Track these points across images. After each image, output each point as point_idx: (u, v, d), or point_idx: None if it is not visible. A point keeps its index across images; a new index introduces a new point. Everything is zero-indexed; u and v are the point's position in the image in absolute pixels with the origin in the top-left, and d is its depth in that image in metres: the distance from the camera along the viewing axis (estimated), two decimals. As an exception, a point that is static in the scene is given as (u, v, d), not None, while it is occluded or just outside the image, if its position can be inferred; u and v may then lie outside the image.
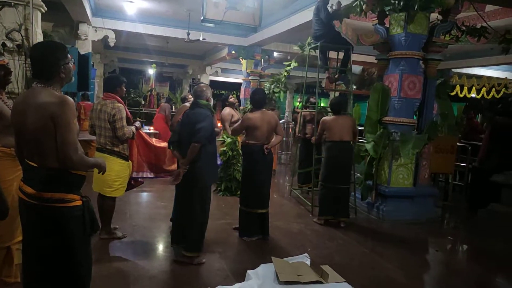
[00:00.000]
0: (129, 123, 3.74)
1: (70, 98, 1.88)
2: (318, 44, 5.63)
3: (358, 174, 5.83)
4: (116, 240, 3.91)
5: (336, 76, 6.23)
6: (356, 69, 9.92)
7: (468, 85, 11.69)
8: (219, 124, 6.09)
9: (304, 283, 2.76)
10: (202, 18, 7.18)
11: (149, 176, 4.17)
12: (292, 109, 19.89)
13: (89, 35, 9.64)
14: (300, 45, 6.53)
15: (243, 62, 11.53)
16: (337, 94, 7.80)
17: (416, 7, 4.83)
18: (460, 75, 11.56)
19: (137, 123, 3.89)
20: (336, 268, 3.08)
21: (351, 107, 6.26)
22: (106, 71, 16.30)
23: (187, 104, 4.50)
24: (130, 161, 3.87)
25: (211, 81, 17.91)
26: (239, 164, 5.95)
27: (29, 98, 1.87)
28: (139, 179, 4.18)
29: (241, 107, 8.68)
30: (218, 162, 4.47)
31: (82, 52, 7.57)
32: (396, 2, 4.94)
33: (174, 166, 4.02)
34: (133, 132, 3.71)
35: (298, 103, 11.32)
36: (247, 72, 11.48)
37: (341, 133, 4.85)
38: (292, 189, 6.60)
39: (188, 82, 19.50)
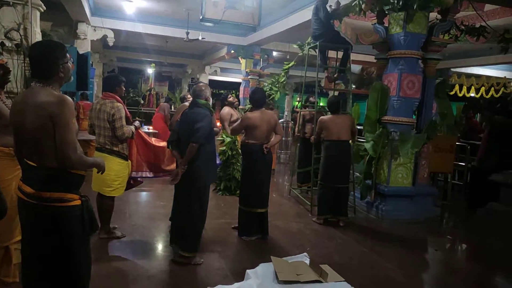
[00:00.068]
0: (129, 122, 3.74)
1: (69, 98, 1.88)
2: (317, 43, 5.63)
3: (357, 174, 5.84)
4: (115, 239, 3.90)
5: (335, 76, 6.22)
6: (355, 68, 9.93)
7: (467, 85, 11.70)
8: (218, 124, 6.08)
9: (303, 283, 2.76)
10: (201, 17, 7.17)
11: (148, 175, 4.17)
12: (291, 109, 19.92)
13: (88, 35, 9.63)
14: (300, 45, 6.52)
15: (242, 61, 11.53)
16: (336, 93, 7.81)
17: (415, 7, 4.82)
18: (459, 74, 11.57)
19: (137, 123, 3.88)
20: (335, 268, 3.08)
21: (350, 106, 6.26)
22: (105, 70, 16.28)
23: (187, 104, 4.50)
24: (129, 161, 3.87)
25: (210, 80, 17.91)
26: (238, 164, 5.95)
27: (28, 97, 1.87)
28: (138, 179, 4.18)
29: (241, 107, 8.68)
30: (217, 162, 4.47)
31: (81, 52, 7.57)
32: (395, 1, 4.94)
33: (173, 166, 4.02)
34: (132, 132, 3.70)
35: (297, 103, 11.32)
36: (246, 72, 11.47)
37: (339, 132, 4.85)
38: (292, 188, 6.60)
39: (187, 81, 19.50)
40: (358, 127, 6.16)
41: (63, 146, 1.82)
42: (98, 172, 2.18)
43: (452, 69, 11.45)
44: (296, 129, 7.22)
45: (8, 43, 4.12)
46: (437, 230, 5.29)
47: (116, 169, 3.66)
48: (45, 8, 4.65)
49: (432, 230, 5.17)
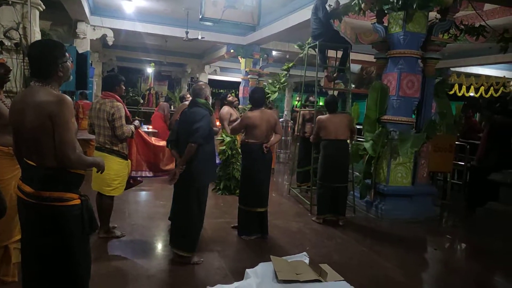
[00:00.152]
0: (128, 122, 3.74)
1: (68, 97, 1.88)
2: (317, 43, 5.63)
3: (357, 173, 5.84)
4: (115, 239, 3.90)
5: (334, 75, 6.23)
6: (355, 68, 9.92)
7: (466, 84, 11.70)
8: (218, 123, 6.08)
9: (303, 282, 2.77)
10: (200, 16, 7.17)
11: (148, 175, 4.17)
12: (291, 108, 19.91)
13: (87, 34, 9.62)
14: (300, 45, 6.53)
15: (242, 61, 11.52)
16: (336, 93, 7.81)
17: (414, 6, 4.83)
18: (459, 74, 11.58)
19: (136, 122, 3.88)
20: (334, 267, 3.09)
21: (349, 106, 6.26)
22: (104, 70, 16.27)
23: (186, 103, 4.50)
24: (129, 160, 3.87)
25: (209, 80, 17.90)
26: (238, 163, 5.95)
27: (27, 97, 1.87)
28: (138, 178, 4.18)
29: (240, 106, 8.67)
30: (217, 161, 4.47)
31: (80, 51, 7.55)
32: (395, 1, 4.94)
33: (172, 165, 4.02)
34: (132, 131, 3.70)
35: (297, 102, 11.32)
36: (246, 71, 11.47)
37: (337, 131, 4.85)
38: (291, 188, 6.60)
39: (187, 81, 19.48)
40: (358, 127, 6.16)
41: (62, 146, 1.81)
42: (97, 172, 2.18)
43: (452, 69, 11.46)
44: (296, 128, 7.22)
45: (7, 42, 4.12)
46: (436, 230, 5.29)
47: (115, 169, 3.66)
48: (44, 7, 4.65)
49: (431, 229, 5.17)
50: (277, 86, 6.95)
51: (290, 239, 4.30)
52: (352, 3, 5.37)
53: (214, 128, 3.72)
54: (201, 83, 3.65)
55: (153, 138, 4.35)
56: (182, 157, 3.31)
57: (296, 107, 13.69)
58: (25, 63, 4.14)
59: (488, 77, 11.83)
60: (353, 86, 8.49)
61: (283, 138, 9.74)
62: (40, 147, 1.84)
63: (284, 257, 3.28)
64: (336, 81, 6.55)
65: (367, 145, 5.50)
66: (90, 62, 9.66)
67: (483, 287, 3.66)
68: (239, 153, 5.57)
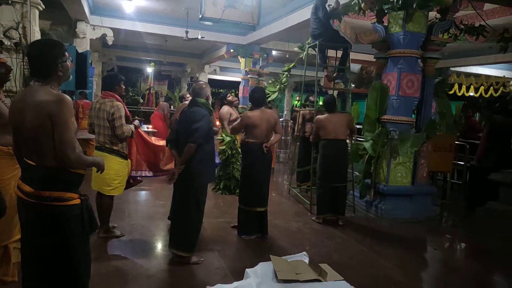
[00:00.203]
0: (128, 121, 3.73)
1: (68, 97, 1.88)
2: (317, 42, 5.63)
3: (357, 173, 5.84)
4: (115, 238, 3.90)
5: (334, 75, 6.23)
6: (355, 67, 9.91)
7: (466, 84, 11.71)
8: (218, 123, 6.07)
9: (303, 282, 2.76)
10: (200, 16, 7.16)
11: (147, 175, 4.17)
12: (290, 108, 19.91)
13: (87, 33, 9.61)
14: (300, 46, 6.52)
15: (242, 60, 11.52)
16: (336, 93, 7.81)
17: (414, 6, 4.82)
18: (459, 73, 11.58)
19: (136, 122, 3.88)
20: (334, 267, 3.09)
21: (349, 105, 6.26)
22: (104, 69, 16.26)
23: (187, 103, 4.49)
24: (129, 160, 3.86)
25: (209, 79, 17.89)
26: (238, 163, 5.95)
27: (27, 96, 1.87)
28: (138, 178, 4.18)
29: (240, 106, 8.66)
30: (217, 161, 4.47)
31: (80, 51, 7.54)
32: (395, 0, 4.94)
33: (172, 165, 4.02)
34: (132, 131, 3.70)
35: (297, 102, 11.31)
36: (246, 71, 11.47)
37: (335, 131, 4.85)
38: (291, 187, 6.60)
39: (187, 80, 19.48)
40: (358, 127, 6.15)
41: (62, 145, 1.81)
42: (97, 171, 2.18)
43: (452, 68, 11.46)
44: (296, 128, 7.22)
45: (7, 42, 4.12)
46: (436, 229, 5.29)
47: (115, 168, 3.65)
48: (44, 6, 4.64)
49: (431, 229, 5.18)
50: (278, 87, 6.96)
51: (290, 239, 4.30)
52: (352, 3, 5.36)
53: (214, 128, 3.72)
54: (201, 82, 3.64)
55: (153, 138, 4.35)
56: (181, 157, 3.30)
57: (296, 106, 13.69)
58: (24, 63, 4.14)
59: (488, 77, 11.83)
60: (353, 85, 8.48)
61: (283, 138, 9.74)
62: (40, 147, 1.84)
63: (284, 256, 3.28)
64: (336, 81, 6.55)
65: (367, 144, 5.50)
66: (90, 61, 9.67)
67: (483, 287, 3.66)
68: (239, 152, 5.56)
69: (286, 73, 7.23)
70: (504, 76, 11.77)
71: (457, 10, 5.55)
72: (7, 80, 2.83)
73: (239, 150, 5.42)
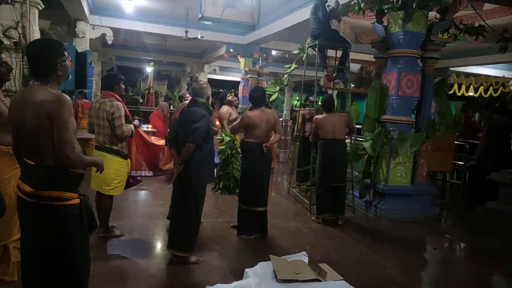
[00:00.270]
0: (128, 121, 3.73)
1: (67, 96, 1.88)
2: (317, 42, 5.63)
3: (356, 173, 5.84)
4: (114, 238, 3.90)
5: (334, 75, 6.23)
6: (354, 67, 9.91)
7: (466, 84, 11.71)
8: (217, 123, 6.07)
9: (302, 281, 2.77)
10: (200, 16, 7.16)
11: (147, 174, 4.17)
12: (290, 108, 19.91)
13: (86, 33, 9.60)
14: (300, 47, 6.53)
15: (241, 60, 11.51)
16: (335, 92, 7.81)
17: (414, 6, 4.83)
18: (458, 73, 11.58)
19: (136, 121, 3.88)
20: (334, 266, 3.09)
21: (349, 105, 6.26)
22: (104, 69, 16.25)
23: (186, 103, 4.49)
24: (128, 160, 3.86)
25: (209, 79, 17.88)
26: (237, 163, 5.95)
27: (26, 96, 1.86)
28: (138, 178, 4.18)
29: (240, 106, 8.67)
30: (217, 161, 4.47)
31: (79, 50, 7.54)
32: (395, 0, 4.94)
33: (171, 165, 4.02)
34: (131, 131, 3.70)
35: (296, 102, 11.31)
36: (246, 71, 11.46)
37: (334, 131, 4.85)
38: (291, 187, 6.61)
39: (186, 80, 19.46)
40: (357, 127, 6.15)
41: (61, 145, 1.81)
42: (97, 171, 2.18)
43: (451, 68, 11.46)
44: (296, 128, 7.22)
45: (6, 41, 4.12)
46: (435, 229, 5.29)
47: (115, 168, 3.65)
48: (43, 6, 4.64)
49: (430, 229, 5.18)
50: (278, 87, 6.96)
51: (290, 239, 4.30)
52: (352, 3, 5.36)
53: (214, 128, 3.72)
54: (202, 82, 3.64)
55: (152, 138, 4.34)
56: (180, 157, 3.30)
57: (296, 106, 13.68)
58: (24, 62, 4.14)
59: (487, 76, 11.83)
60: (352, 85, 8.49)
61: (282, 137, 9.74)
62: (39, 147, 1.84)
63: (283, 256, 3.28)
64: (335, 81, 6.55)
65: (366, 144, 5.50)
66: (90, 61, 9.67)
67: (483, 287, 3.66)
68: (239, 152, 5.56)
69: (287, 74, 7.24)
70: (503, 76, 11.77)
71: (456, 10, 5.55)
72: (7, 80, 2.83)
73: (239, 150, 5.42)
